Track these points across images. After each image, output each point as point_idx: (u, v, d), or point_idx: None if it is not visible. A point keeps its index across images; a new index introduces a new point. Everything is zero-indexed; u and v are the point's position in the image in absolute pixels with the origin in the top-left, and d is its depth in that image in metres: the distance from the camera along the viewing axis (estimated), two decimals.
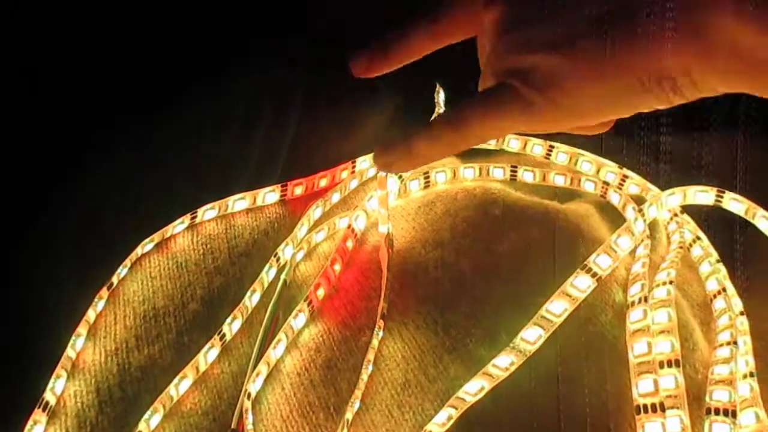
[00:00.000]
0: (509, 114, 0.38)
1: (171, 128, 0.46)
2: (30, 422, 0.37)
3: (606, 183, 0.56)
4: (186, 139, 0.47)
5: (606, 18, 0.34)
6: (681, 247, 0.52)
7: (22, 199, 0.42)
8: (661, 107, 0.36)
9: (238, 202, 0.50)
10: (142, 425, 0.38)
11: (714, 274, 0.52)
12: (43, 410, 0.38)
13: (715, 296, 0.50)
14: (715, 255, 0.53)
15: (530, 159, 0.61)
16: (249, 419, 0.40)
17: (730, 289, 0.50)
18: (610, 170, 0.58)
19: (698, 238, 0.54)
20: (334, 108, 0.56)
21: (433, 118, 0.42)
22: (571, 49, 0.35)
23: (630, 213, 0.52)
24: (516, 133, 0.61)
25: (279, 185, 0.52)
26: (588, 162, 0.59)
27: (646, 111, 0.37)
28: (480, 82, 0.41)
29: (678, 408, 0.38)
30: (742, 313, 0.48)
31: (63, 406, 0.39)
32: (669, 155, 0.60)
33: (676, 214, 0.55)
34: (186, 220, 0.48)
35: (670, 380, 0.39)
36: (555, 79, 0.36)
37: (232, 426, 0.40)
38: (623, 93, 0.35)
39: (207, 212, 0.49)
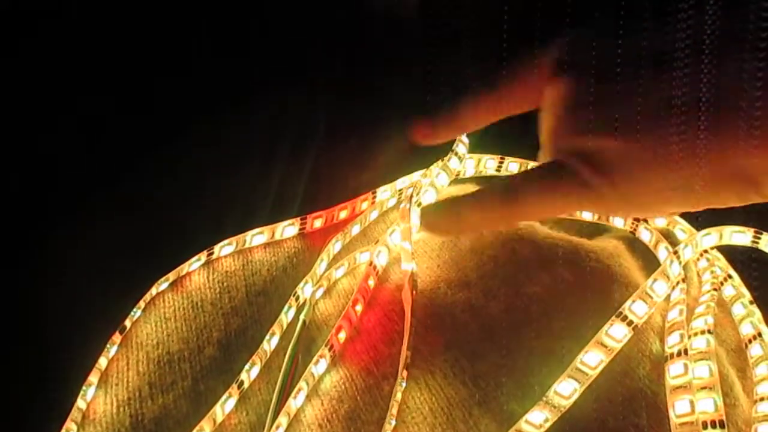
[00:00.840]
0: (566, 194, 0.36)
1: (186, 161, 0.44)
2: None
3: (636, 219, 0.54)
4: (203, 173, 0.45)
5: (691, 107, 0.31)
6: (715, 289, 0.50)
7: (31, 240, 0.40)
8: (736, 204, 0.33)
9: (256, 237, 0.48)
10: None
11: (748, 317, 0.50)
12: None
13: (750, 341, 0.48)
14: (747, 295, 0.51)
15: None
16: None
17: (767, 333, 0.48)
18: None
19: (730, 276, 0.53)
20: (353, 138, 0.54)
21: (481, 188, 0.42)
22: (647, 136, 0.32)
23: (663, 253, 0.49)
24: None
25: (298, 218, 0.50)
26: None
27: (717, 206, 0.34)
28: (539, 155, 0.39)
29: None
30: None
31: None
32: None
33: (706, 251, 0.53)
34: (202, 257, 0.46)
35: None
36: (623, 164, 0.33)
37: None
38: (697, 188, 0.32)
39: (224, 248, 0.47)
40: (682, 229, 0.54)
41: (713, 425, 0.38)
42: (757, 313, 0.50)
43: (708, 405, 0.39)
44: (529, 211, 0.38)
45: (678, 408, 0.39)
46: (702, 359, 0.42)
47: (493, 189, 0.39)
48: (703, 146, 0.31)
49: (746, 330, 0.49)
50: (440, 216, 0.41)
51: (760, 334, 0.48)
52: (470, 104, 0.43)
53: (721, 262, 0.54)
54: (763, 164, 0.30)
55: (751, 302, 0.51)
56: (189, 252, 0.44)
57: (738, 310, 0.51)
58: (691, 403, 0.39)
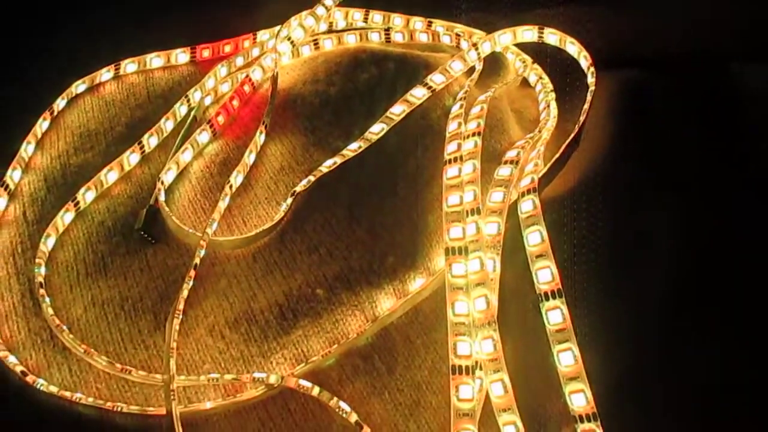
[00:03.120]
0: None
1: None
2: None
3: (458, 35, 0.69)
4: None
5: None
6: (517, 78, 0.66)
7: None
8: None
9: (155, 60, 0.63)
10: (79, 197, 0.51)
11: (546, 97, 0.65)
12: (5, 189, 0.51)
13: (544, 108, 0.64)
14: (550, 86, 0.66)
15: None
16: (162, 197, 0.53)
17: (554, 105, 0.64)
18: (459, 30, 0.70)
19: (536, 68, 0.67)
20: None
21: None
22: None
23: (464, 45, 0.65)
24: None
25: (189, 48, 0.65)
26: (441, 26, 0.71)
27: None
28: None
29: (474, 159, 0.52)
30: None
31: (20, 190, 0.52)
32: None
33: (519, 54, 0.68)
34: (111, 70, 0.61)
35: (469, 166, 0.53)
36: None
37: (150, 203, 0.53)
38: None
39: (128, 65, 0.62)
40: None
41: (473, 134, 0.54)
42: (553, 94, 0.65)
43: (472, 125, 0.55)
44: None
45: (450, 127, 0.55)
46: (479, 105, 0.58)
47: None
48: None
49: (542, 106, 0.65)
50: None
51: (549, 105, 0.64)
52: None
53: (538, 68, 0.69)
54: None
55: (551, 91, 0.66)
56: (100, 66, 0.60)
57: (541, 96, 0.66)
58: (460, 124, 0.55)
